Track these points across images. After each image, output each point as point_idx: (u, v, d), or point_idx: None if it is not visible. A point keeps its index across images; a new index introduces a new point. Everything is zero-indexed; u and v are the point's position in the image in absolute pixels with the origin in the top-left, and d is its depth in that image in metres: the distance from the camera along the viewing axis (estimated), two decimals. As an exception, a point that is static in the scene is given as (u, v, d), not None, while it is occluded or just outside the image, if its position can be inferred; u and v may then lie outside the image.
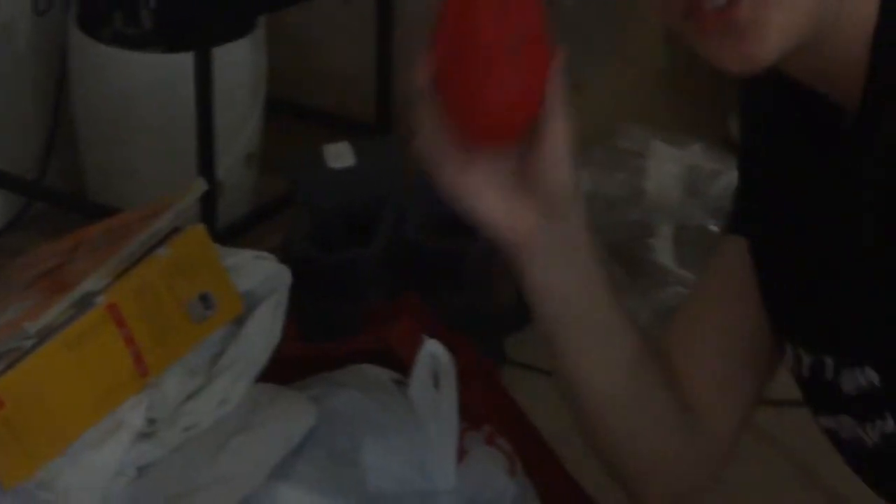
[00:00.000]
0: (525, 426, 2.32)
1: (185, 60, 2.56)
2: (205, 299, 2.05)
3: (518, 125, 1.54)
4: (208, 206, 2.43)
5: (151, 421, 2.04)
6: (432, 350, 2.07)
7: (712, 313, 1.83)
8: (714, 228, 2.84)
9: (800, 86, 1.61)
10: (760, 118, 1.75)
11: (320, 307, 2.39)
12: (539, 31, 1.51)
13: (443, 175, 1.55)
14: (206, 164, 2.55)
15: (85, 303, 1.98)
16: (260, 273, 2.17)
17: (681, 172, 2.77)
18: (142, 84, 2.68)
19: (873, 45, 1.57)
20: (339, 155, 2.65)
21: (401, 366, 2.20)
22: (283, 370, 2.20)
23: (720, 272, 1.84)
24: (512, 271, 1.64)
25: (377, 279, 2.54)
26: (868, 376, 1.59)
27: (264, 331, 2.14)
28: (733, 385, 1.80)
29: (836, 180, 1.63)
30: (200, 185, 2.18)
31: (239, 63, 2.70)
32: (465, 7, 1.47)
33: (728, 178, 2.81)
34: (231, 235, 2.48)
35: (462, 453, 2.13)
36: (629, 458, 1.81)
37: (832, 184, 1.64)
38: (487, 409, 2.25)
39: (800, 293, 1.73)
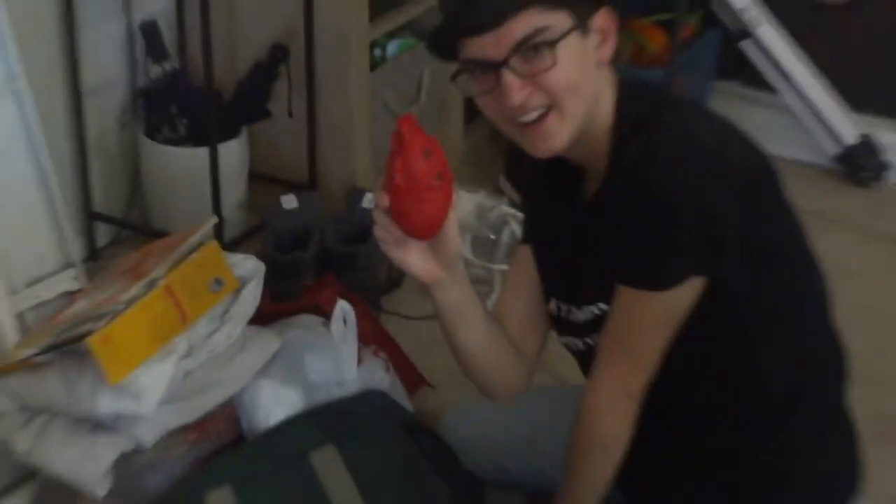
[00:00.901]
0: (393, 345, 2.34)
1: (203, 152, 2.52)
2: (218, 281, 2.05)
3: (434, 231, 1.63)
4: (218, 231, 2.41)
5: (191, 348, 2.04)
6: (342, 306, 2.09)
7: (517, 286, 1.90)
8: (493, 237, 2.79)
9: (563, 160, 1.69)
10: (531, 176, 1.83)
11: (280, 284, 2.37)
12: (446, 169, 1.59)
13: (390, 249, 1.65)
14: (216, 207, 2.52)
15: (152, 285, 1.98)
16: (247, 266, 2.17)
17: (474, 207, 2.77)
18: (179, 165, 2.65)
19: (612, 139, 1.64)
20: (289, 201, 2.65)
21: (325, 315, 2.22)
22: (261, 318, 2.19)
23: (518, 265, 1.90)
24: (425, 292, 1.75)
25: (311, 268, 2.53)
26: (600, 308, 1.69)
27: (250, 297, 2.13)
28: (533, 324, 1.88)
29: (581, 217, 1.72)
30: (213, 220, 2.19)
31: (233, 152, 2.66)
32: (404, 155, 1.57)
33: (498, 210, 2.79)
34: (231, 246, 2.46)
35: (360, 360, 2.14)
36: (488, 377, 1.85)
37: (577, 218, 1.73)
38: (373, 337, 2.26)
39: (557, 272, 1.82)
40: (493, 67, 1.55)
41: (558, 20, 1.55)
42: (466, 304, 1.74)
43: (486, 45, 1.55)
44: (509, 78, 1.55)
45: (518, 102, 1.57)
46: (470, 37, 1.56)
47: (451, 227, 1.64)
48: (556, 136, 1.60)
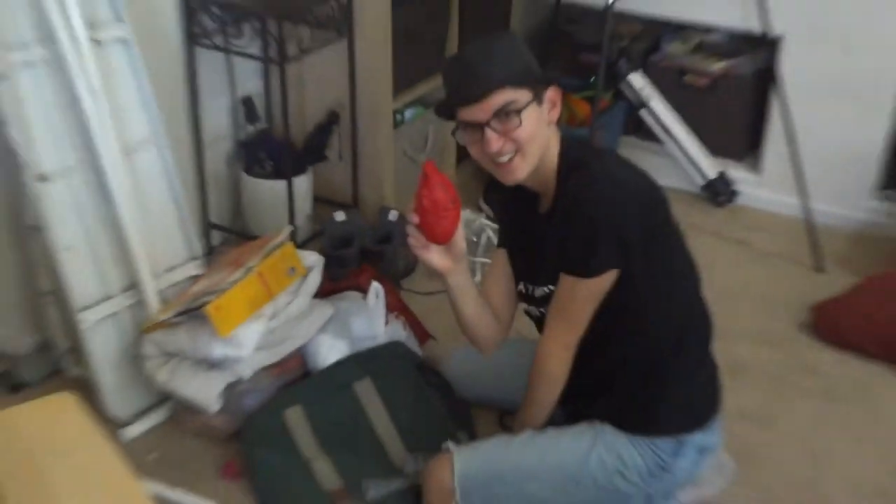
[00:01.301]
0: (409, 311, 2.32)
1: (282, 183, 2.49)
2: (292, 268, 2.04)
3: (448, 238, 1.64)
4: (292, 235, 2.37)
5: (274, 313, 2.02)
6: (375, 285, 2.08)
7: (496, 274, 1.86)
8: (475, 240, 2.73)
9: (525, 188, 1.67)
10: (508, 196, 1.76)
11: (333, 271, 2.36)
12: (456, 197, 1.61)
13: (418, 251, 1.65)
14: (291, 219, 2.48)
15: (248, 271, 1.97)
16: (312, 259, 2.16)
17: (462, 220, 2.77)
18: (267, 191, 2.60)
19: (557, 174, 1.64)
20: (339, 216, 2.61)
21: (363, 291, 2.19)
22: (321, 293, 2.18)
23: (496, 262, 1.86)
24: (435, 277, 1.73)
25: (354, 260, 2.50)
26: (549, 288, 1.69)
27: (314, 279, 2.12)
28: (507, 300, 1.84)
29: (537, 227, 1.70)
30: (289, 228, 2.19)
31: (302, 183, 2.63)
32: (427, 188, 1.60)
33: (479, 222, 2.76)
34: (301, 245, 2.42)
35: (387, 322, 2.13)
36: (477, 335, 1.83)
37: (534, 228, 1.71)
38: (395, 306, 2.25)
39: (523, 264, 1.80)
40: (479, 126, 1.56)
41: (522, 95, 1.56)
42: (467, 286, 1.75)
43: (474, 112, 1.55)
44: (490, 133, 1.56)
45: (496, 149, 1.57)
46: (464, 106, 1.57)
47: (459, 236, 1.66)
48: (520, 171, 1.61)
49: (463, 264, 1.72)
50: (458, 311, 1.77)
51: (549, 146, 1.64)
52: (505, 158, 1.59)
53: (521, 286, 1.81)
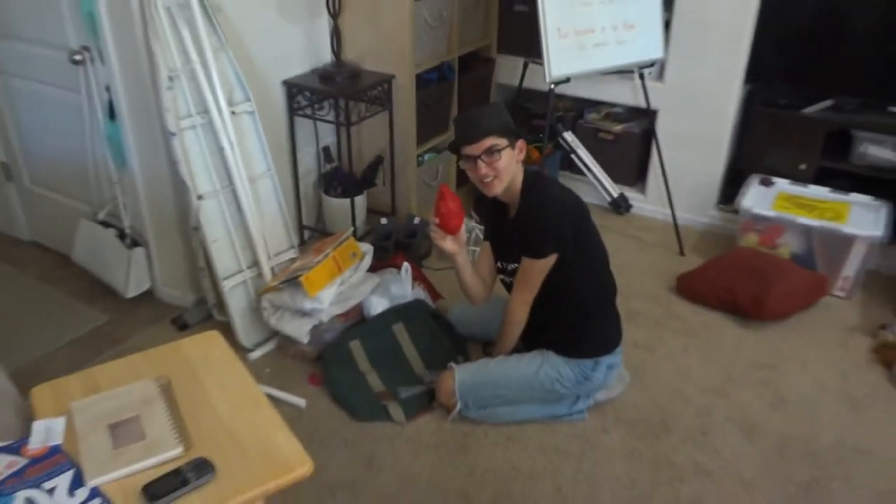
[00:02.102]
0: (427, 280, 2.24)
1: (348, 201, 2.43)
2: (354, 253, 1.99)
3: (457, 231, 1.62)
4: (354, 233, 2.31)
5: (342, 281, 1.98)
6: (405, 264, 2.03)
7: (483, 256, 1.81)
8: (469, 235, 2.58)
9: (500, 201, 1.62)
10: (490, 207, 1.73)
11: (379, 255, 2.31)
12: (462, 206, 1.58)
13: (437, 241, 1.63)
14: (353, 222, 2.43)
15: (326, 255, 1.93)
16: (366, 247, 2.10)
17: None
18: (338, 206, 2.54)
19: (521, 193, 1.59)
20: (383, 220, 2.55)
21: (398, 268, 2.13)
22: (372, 269, 2.11)
23: (483, 250, 1.81)
24: (445, 258, 1.66)
25: (391, 249, 2.43)
26: (515, 266, 1.64)
27: (368, 260, 2.06)
28: (490, 273, 1.81)
29: (508, 227, 1.65)
30: (351, 228, 2.13)
31: (360, 201, 2.56)
32: (444, 201, 1.54)
33: (471, 224, 2.64)
34: (359, 239, 2.39)
35: (413, 287, 2.09)
36: (471, 294, 1.77)
37: (506, 227, 1.66)
38: (418, 277, 2.20)
39: (499, 250, 1.75)
40: (474, 159, 1.55)
41: (502, 141, 1.55)
42: (466, 262, 1.72)
43: (472, 150, 1.55)
44: (480, 163, 1.55)
45: (483, 174, 1.56)
46: (466, 146, 1.56)
47: (463, 231, 1.65)
48: (497, 189, 1.59)
49: (464, 249, 1.71)
50: (460, 278, 1.75)
51: (516, 175, 1.63)
52: (489, 180, 1.59)
53: (498, 264, 1.79)
